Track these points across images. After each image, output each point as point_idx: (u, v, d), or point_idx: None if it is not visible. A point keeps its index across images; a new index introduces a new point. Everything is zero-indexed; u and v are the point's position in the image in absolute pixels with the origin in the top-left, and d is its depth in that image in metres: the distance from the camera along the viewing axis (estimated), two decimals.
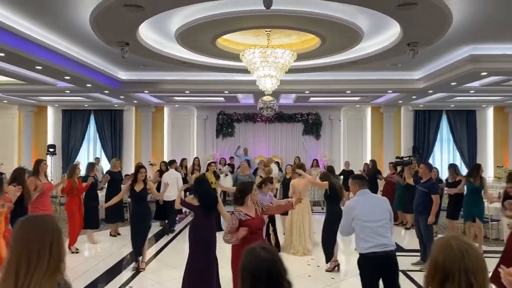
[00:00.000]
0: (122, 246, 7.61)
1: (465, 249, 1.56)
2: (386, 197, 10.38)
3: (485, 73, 8.10)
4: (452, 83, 9.16)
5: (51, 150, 13.88)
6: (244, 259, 1.70)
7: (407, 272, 6.03)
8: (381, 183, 11.25)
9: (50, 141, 14.54)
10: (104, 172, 11.48)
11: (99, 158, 13.81)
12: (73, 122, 14.73)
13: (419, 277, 5.77)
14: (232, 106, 14.00)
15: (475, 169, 7.63)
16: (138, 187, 6.14)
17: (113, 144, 14.61)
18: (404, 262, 6.56)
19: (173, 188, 8.49)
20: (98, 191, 9.07)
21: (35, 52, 6.71)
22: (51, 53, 7.06)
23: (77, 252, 7.17)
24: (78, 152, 14.72)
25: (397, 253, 7.32)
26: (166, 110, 14.80)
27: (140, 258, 6.28)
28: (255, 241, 4.02)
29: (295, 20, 5.74)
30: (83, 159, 14.28)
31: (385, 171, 11.73)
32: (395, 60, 8.08)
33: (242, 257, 1.73)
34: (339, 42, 6.79)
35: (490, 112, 14.39)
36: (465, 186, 7.59)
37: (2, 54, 6.54)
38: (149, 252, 7.42)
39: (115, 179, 8.36)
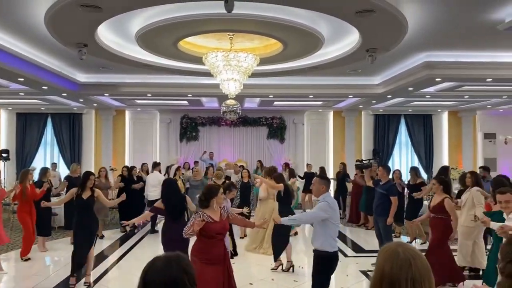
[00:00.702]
0: None
1: (412, 257, 1.51)
2: (355, 199, 10.79)
3: (439, 79, 8.48)
4: (409, 88, 9.51)
5: (4, 155, 13.21)
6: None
7: (367, 273, 6.17)
8: (349, 186, 11.53)
9: (3, 145, 13.84)
10: (63, 178, 11.06)
11: (56, 164, 13.28)
12: (29, 126, 14.09)
13: None
14: (196, 109, 13.87)
15: (444, 171, 7.91)
16: (86, 195, 5.74)
17: (72, 149, 14.09)
18: (364, 262, 6.74)
19: (156, 189, 8.92)
20: (55, 198, 8.73)
21: None
22: (2, 53, 6.72)
23: (28, 259, 6.89)
24: (34, 157, 14.09)
25: (358, 254, 7.53)
26: (127, 113, 14.45)
27: (84, 271, 5.87)
28: (215, 245, 3.99)
29: (257, 25, 5.77)
30: (39, 164, 13.64)
31: (350, 174, 11.96)
32: (355, 66, 8.29)
33: None
34: (300, 48, 6.89)
35: (445, 116, 15.07)
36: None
37: None
38: (111, 258, 7.22)
39: (74, 184, 8.02)
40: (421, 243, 8.11)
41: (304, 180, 11.85)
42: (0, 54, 6.69)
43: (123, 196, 6.24)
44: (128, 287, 5.83)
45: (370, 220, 9.71)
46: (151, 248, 8.21)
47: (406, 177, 14.20)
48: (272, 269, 6.34)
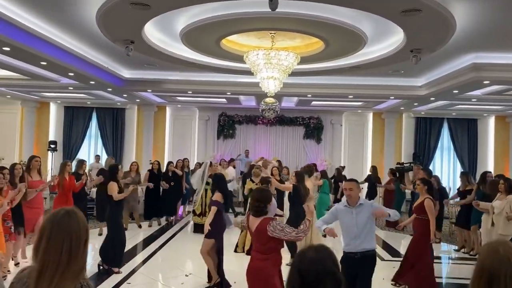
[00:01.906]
0: None
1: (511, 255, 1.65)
2: (386, 203, 10.56)
3: (487, 82, 8.13)
4: (454, 91, 9.18)
5: (52, 146, 13.91)
6: (295, 260, 1.73)
7: None
8: (380, 190, 11.29)
9: (51, 137, 14.56)
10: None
11: (99, 156, 13.83)
12: (75, 119, 14.74)
13: None
14: (233, 107, 14.04)
15: (485, 177, 7.61)
16: (119, 187, 6.06)
17: (114, 142, 14.62)
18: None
19: (230, 184, 9.60)
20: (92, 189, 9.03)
21: (41, 47, 6.75)
22: (56, 49, 7.09)
23: None
24: (79, 149, 14.73)
25: (394, 258, 7.37)
26: (168, 110, 14.83)
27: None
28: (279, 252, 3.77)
29: (300, 23, 5.78)
30: (84, 156, 14.30)
31: (386, 177, 11.72)
32: (398, 66, 8.11)
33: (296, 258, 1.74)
34: (342, 47, 6.83)
35: (491, 121, 14.41)
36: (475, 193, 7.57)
37: (8, 49, 6.58)
38: (148, 250, 7.45)
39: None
40: (466, 252, 7.80)
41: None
42: (53, 50, 7.06)
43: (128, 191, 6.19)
44: (167, 277, 6.00)
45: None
46: (186, 240, 8.40)
47: (448, 182, 13.82)
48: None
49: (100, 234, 8.09)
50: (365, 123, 14.71)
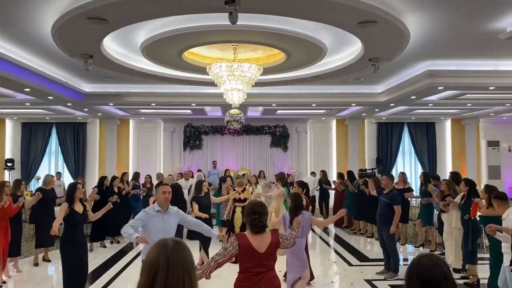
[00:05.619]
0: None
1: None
2: (338, 204, 11.35)
3: (441, 88, 8.51)
4: (412, 97, 9.55)
5: (9, 164, 13.30)
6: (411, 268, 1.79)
7: (372, 282, 6.15)
8: (331, 192, 12.00)
9: (8, 155, 13.94)
10: (34, 190, 10.59)
11: (60, 173, 13.31)
12: (34, 136, 14.19)
13: (383, 286, 5.91)
14: (199, 118, 13.96)
15: (456, 177, 8.06)
16: (79, 208, 4.93)
17: (76, 158, 14.17)
18: (369, 271, 6.72)
19: None
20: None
21: None
22: (9, 64, 6.81)
23: (4, 282, 6.06)
24: (39, 166, 14.18)
25: (363, 263, 7.47)
26: (131, 123, 14.54)
27: None
28: None
29: (261, 36, 5.85)
30: (44, 174, 13.71)
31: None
32: (358, 75, 8.35)
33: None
34: (303, 57, 6.96)
35: (448, 124, 15.08)
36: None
37: None
38: (110, 273, 7.17)
39: (46, 197, 7.15)
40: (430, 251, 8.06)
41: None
42: (7, 65, 6.78)
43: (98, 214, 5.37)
44: None
45: (354, 223, 10.32)
46: None
47: (410, 184, 14.29)
48: None
49: (47, 260, 7.35)
50: (329, 130, 15.01)
